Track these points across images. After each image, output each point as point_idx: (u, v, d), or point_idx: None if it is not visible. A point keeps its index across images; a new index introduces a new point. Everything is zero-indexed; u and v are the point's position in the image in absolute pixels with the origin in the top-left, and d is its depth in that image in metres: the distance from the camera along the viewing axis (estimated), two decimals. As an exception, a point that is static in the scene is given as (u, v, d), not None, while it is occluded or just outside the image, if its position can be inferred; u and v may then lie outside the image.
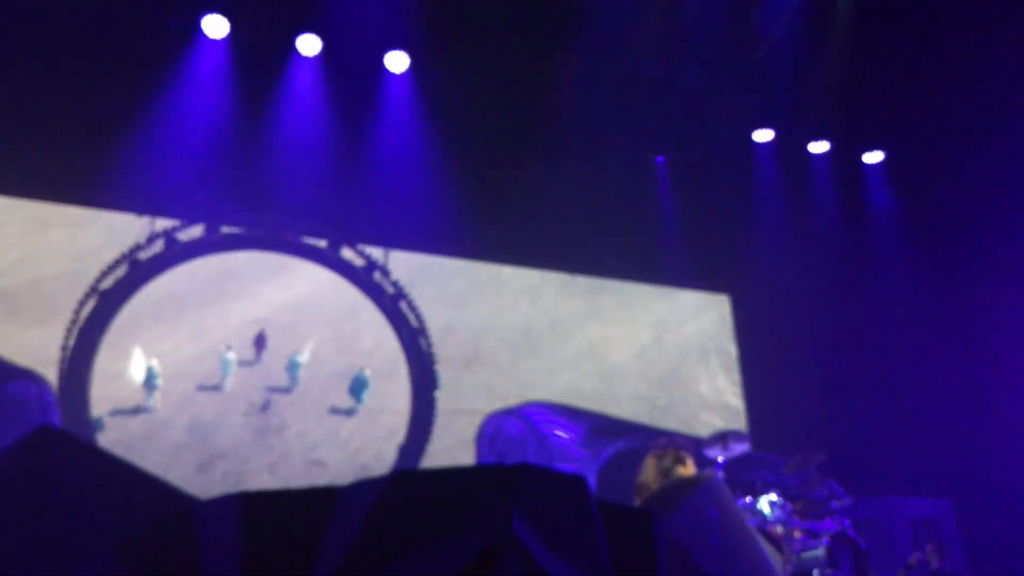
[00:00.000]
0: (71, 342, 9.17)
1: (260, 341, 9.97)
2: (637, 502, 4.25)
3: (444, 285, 10.66)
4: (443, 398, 10.18)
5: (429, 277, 10.64)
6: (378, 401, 10.04)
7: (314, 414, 9.80)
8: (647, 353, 11.20)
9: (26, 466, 2.32)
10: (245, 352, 9.88)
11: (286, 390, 9.88)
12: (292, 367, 9.99)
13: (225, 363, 9.76)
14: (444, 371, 10.31)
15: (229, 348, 9.80)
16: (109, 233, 9.72)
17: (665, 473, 4.36)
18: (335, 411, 9.92)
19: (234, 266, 10.12)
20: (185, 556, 2.17)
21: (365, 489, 2.29)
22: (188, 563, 2.16)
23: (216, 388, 9.64)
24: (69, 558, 2.15)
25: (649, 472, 4.44)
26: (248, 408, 9.62)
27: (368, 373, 10.14)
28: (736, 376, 11.31)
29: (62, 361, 9.06)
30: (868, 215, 11.57)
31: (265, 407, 9.70)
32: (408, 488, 2.28)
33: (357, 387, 10.10)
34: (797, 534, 7.43)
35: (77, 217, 9.74)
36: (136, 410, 9.23)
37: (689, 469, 4.41)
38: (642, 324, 11.41)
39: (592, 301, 11.29)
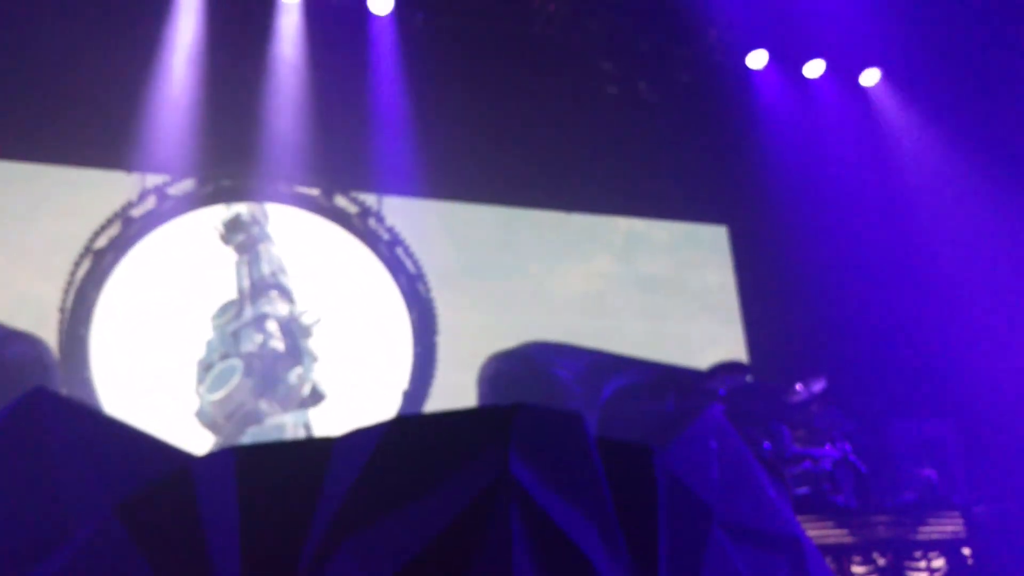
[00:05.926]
0: (68, 304, 9.14)
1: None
2: None
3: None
4: (443, 344, 10.17)
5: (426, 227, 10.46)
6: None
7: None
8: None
9: (21, 429, 2.31)
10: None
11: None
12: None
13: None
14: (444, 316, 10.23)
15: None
16: (98, 191, 9.62)
17: None
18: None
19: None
20: (183, 511, 2.17)
21: (361, 437, 2.28)
22: (187, 518, 2.16)
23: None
24: (68, 518, 2.15)
25: None
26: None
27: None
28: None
29: (60, 323, 9.04)
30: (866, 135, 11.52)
31: None
32: (404, 434, 2.27)
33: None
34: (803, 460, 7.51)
35: (68, 176, 9.62)
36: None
37: None
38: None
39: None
